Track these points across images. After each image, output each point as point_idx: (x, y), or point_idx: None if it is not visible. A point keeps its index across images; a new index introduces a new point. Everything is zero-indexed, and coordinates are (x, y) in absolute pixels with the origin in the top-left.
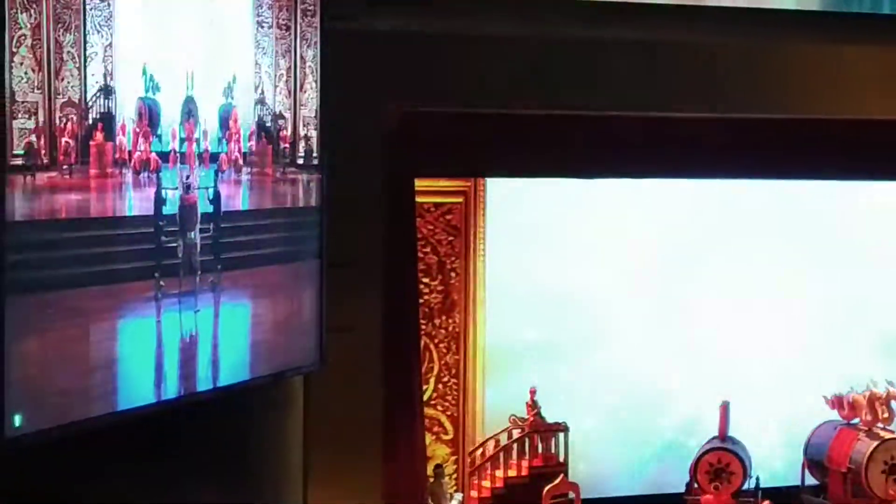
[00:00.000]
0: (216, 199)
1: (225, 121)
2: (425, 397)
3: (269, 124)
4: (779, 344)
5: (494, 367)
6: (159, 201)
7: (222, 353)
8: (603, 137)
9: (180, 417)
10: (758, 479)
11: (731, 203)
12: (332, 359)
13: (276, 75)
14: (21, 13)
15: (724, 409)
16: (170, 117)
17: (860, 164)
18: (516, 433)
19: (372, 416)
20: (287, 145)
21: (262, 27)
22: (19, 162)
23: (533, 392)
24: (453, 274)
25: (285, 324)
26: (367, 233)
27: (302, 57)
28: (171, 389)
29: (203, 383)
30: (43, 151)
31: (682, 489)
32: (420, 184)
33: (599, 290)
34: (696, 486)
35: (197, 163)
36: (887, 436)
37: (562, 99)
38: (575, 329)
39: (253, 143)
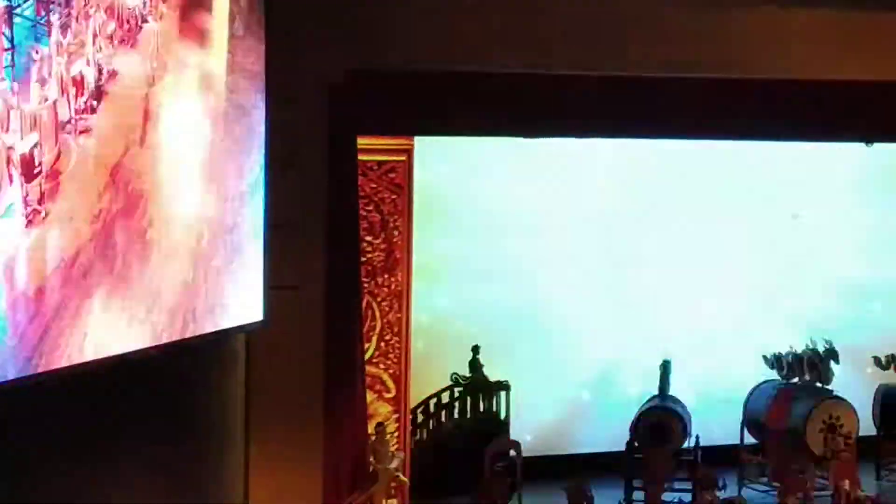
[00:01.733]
0: None
1: None
2: (367, 356)
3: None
4: (718, 305)
5: (435, 324)
6: None
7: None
8: (546, 97)
9: (124, 374)
10: (697, 437)
11: (672, 165)
12: (274, 317)
13: None
14: None
15: (665, 367)
16: None
17: (804, 125)
18: (458, 391)
19: (314, 374)
20: None
21: None
22: None
23: (476, 350)
24: (396, 232)
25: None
26: (309, 191)
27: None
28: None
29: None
30: None
31: (622, 447)
32: (363, 142)
33: (540, 253)
34: (636, 444)
35: None
36: (826, 395)
37: (505, 58)
38: (516, 289)
39: None
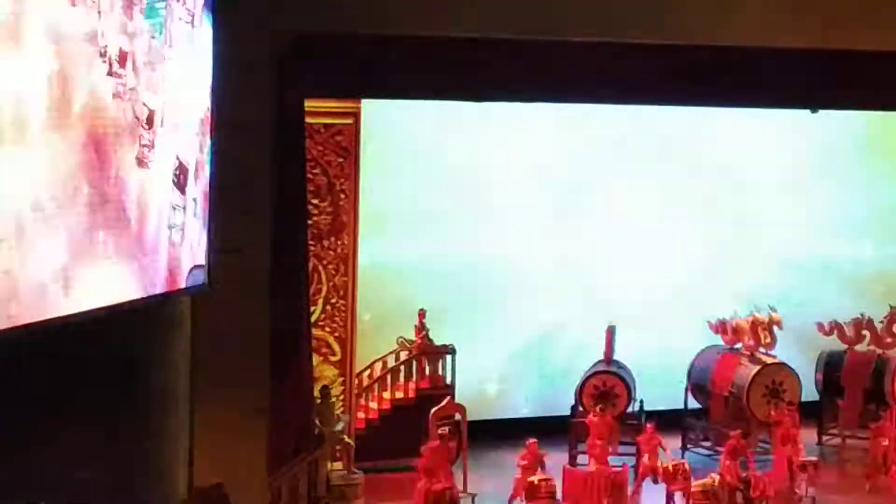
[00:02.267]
0: None
1: None
2: (313, 319)
3: None
4: (663, 270)
5: (381, 289)
6: None
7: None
8: (492, 62)
9: (70, 336)
10: (642, 402)
11: (618, 131)
12: (219, 280)
13: None
14: None
15: (610, 333)
16: None
17: (749, 92)
18: (404, 355)
19: (259, 337)
20: None
21: None
22: None
23: (422, 314)
24: (342, 195)
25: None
26: (256, 154)
27: None
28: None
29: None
30: None
31: (567, 412)
32: (310, 105)
33: (488, 217)
34: (581, 408)
35: None
36: (769, 360)
37: (451, 23)
38: (464, 253)
39: None
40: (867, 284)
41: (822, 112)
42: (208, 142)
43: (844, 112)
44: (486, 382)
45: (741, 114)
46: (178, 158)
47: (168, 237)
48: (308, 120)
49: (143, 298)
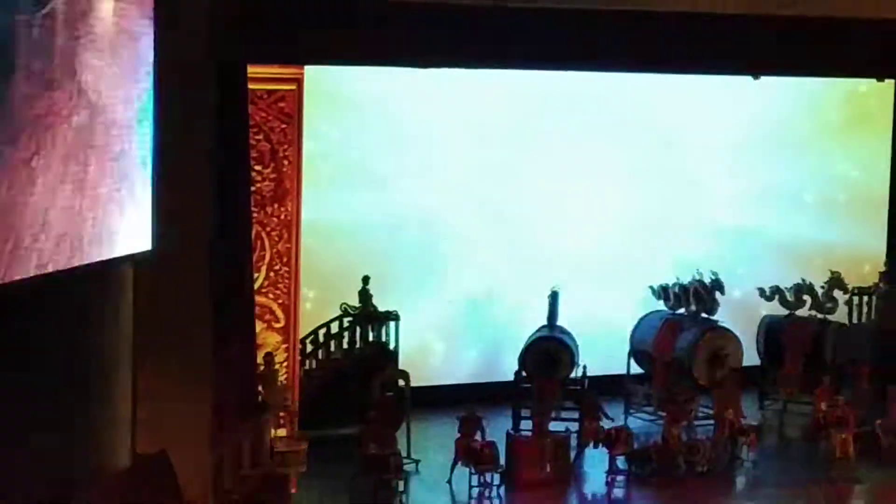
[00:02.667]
0: None
1: None
2: (256, 285)
3: None
4: (606, 235)
5: (323, 255)
6: None
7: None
8: (436, 27)
9: (11, 302)
10: (584, 367)
11: (563, 96)
12: (162, 247)
13: None
14: None
15: (553, 298)
16: None
17: (692, 57)
18: (347, 321)
19: (203, 304)
20: None
21: None
22: None
23: (366, 280)
24: (286, 162)
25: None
26: (198, 119)
27: None
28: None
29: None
30: None
31: (511, 377)
32: (253, 70)
33: (429, 183)
34: (524, 374)
35: None
36: (711, 326)
37: None
38: (405, 217)
39: None
40: (807, 252)
41: (764, 80)
42: (150, 108)
43: (787, 82)
44: (429, 348)
45: (685, 81)
46: (121, 123)
47: (112, 203)
48: (251, 86)
49: (85, 265)
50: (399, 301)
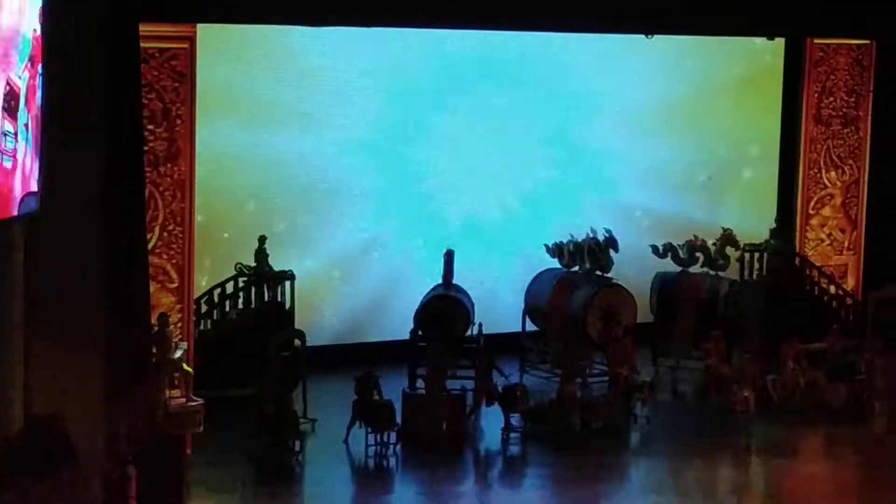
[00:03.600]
0: None
1: None
2: (150, 246)
3: None
4: (505, 195)
5: (218, 215)
6: None
7: None
8: None
9: None
10: (480, 325)
11: (468, 54)
12: (53, 207)
13: None
14: None
15: (449, 257)
16: None
17: (586, 16)
18: (242, 281)
19: (95, 265)
20: None
21: None
22: None
23: (262, 240)
24: (179, 121)
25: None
26: (88, 78)
27: None
28: None
29: None
30: None
31: (406, 336)
32: (144, 29)
33: (329, 143)
34: (420, 333)
35: None
36: (605, 283)
37: None
38: (302, 180)
39: None
40: (698, 210)
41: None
42: (39, 66)
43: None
44: (325, 308)
45: (589, 43)
46: (7, 84)
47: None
48: (142, 44)
49: None
50: (295, 259)
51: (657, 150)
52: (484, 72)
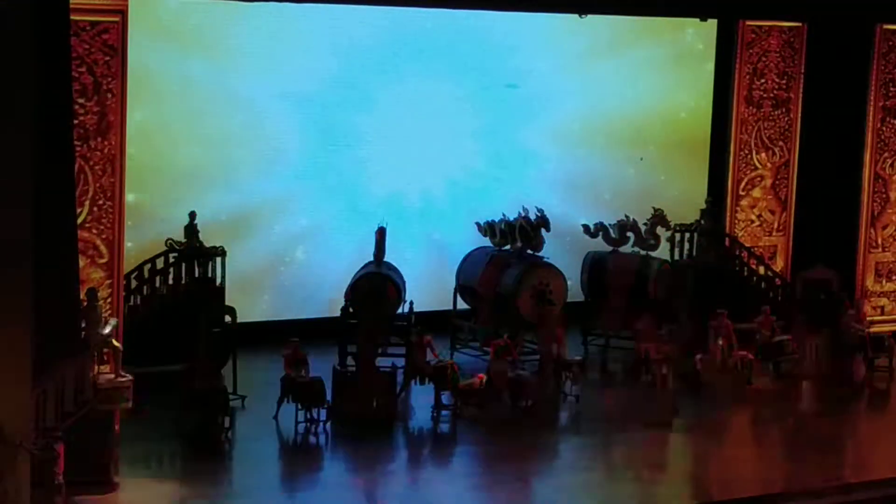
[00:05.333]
0: None
1: None
2: (79, 220)
3: None
4: (436, 172)
5: (153, 190)
6: None
7: None
8: None
9: None
10: (411, 303)
11: (403, 32)
12: None
13: None
14: None
15: (380, 234)
16: None
17: None
18: (173, 257)
19: (23, 240)
20: None
21: None
22: None
23: (192, 216)
24: (110, 95)
25: None
26: (17, 51)
27: None
28: None
29: None
30: None
31: (338, 314)
32: (75, 1)
33: (263, 118)
34: (351, 310)
35: None
36: (536, 262)
37: None
38: (234, 155)
39: None
40: (631, 193)
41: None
42: None
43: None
44: (257, 284)
45: (524, 22)
46: None
47: None
48: (73, 17)
49: None
50: (225, 235)
51: (590, 124)
52: (422, 49)
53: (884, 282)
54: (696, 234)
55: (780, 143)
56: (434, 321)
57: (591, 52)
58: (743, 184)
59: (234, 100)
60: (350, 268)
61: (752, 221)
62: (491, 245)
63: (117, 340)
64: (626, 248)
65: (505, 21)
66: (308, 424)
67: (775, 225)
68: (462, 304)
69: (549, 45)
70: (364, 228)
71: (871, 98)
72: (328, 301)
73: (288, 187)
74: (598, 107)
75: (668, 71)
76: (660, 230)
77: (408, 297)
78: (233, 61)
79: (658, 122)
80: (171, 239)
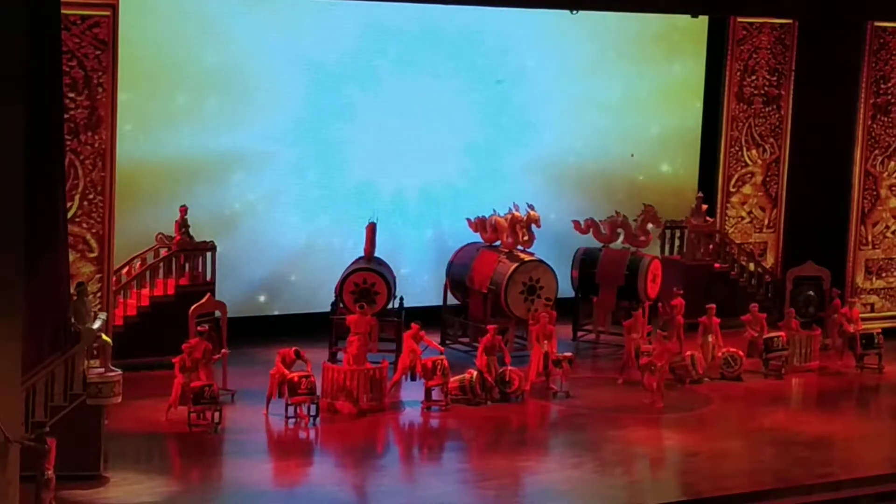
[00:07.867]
0: None
1: None
2: (70, 214)
3: None
4: (427, 166)
5: (140, 184)
6: None
7: None
8: None
9: None
10: (402, 298)
11: (402, 28)
12: None
13: None
14: None
15: (371, 229)
16: None
17: None
18: (163, 252)
19: (13, 234)
20: None
21: None
22: None
23: (183, 211)
24: (100, 89)
25: None
26: (8, 44)
27: None
28: None
29: None
30: None
31: (328, 309)
32: None
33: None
34: (342, 305)
35: None
36: (527, 258)
37: None
38: (223, 149)
39: None
40: (620, 187)
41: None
42: None
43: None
44: (245, 279)
45: (515, 18)
46: None
47: None
48: (64, 11)
49: None
50: (217, 231)
51: (581, 119)
52: (413, 45)
53: (874, 279)
54: (686, 231)
55: (771, 139)
56: (425, 316)
57: (583, 48)
58: (733, 180)
59: (228, 86)
60: (341, 263)
61: (743, 218)
62: (481, 241)
63: (107, 335)
64: (617, 245)
65: (496, 19)
66: (298, 419)
67: (766, 222)
68: (453, 300)
69: (544, 43)
70: (356, 224)
71: (862, 95)
72: (318, 296)
73: (280, 183)
74: (589, 103)
75: (659, 65)
76: (650, 226)
77: (398, 293)
78: (229, 54)
79: (649, 118)
80: (162, 233)
